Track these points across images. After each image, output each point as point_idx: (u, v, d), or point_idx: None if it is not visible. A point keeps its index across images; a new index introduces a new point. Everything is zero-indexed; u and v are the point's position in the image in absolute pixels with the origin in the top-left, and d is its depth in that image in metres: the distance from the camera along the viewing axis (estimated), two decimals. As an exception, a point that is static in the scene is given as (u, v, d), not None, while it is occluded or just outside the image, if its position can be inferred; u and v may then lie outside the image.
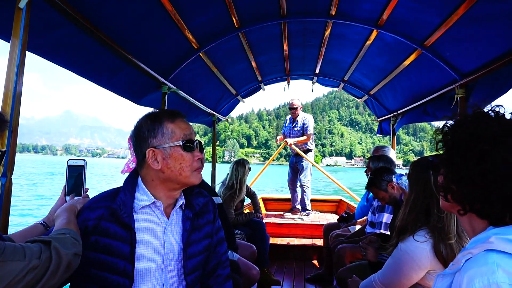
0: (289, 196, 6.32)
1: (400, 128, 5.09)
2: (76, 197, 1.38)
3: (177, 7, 2.51)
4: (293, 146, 5.78)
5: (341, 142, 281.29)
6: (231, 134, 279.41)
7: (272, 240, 4.78)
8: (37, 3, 1.56)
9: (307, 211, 5.72)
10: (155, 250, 1.28)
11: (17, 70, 1.46)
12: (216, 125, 5.26)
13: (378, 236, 2.52)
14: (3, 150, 0.93)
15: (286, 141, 5.79)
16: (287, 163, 6.65)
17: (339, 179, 6.59)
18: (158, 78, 3.03)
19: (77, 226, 1.18)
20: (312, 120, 6.03)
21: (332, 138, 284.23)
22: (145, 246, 1.27)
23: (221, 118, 5.45)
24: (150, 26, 2.60)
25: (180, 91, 3.44)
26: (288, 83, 5.34)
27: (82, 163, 1.42)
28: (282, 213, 6.06)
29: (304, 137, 5.83)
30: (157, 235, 1.30)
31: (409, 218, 1.67)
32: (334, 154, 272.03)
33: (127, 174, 1.42)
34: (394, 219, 2.53)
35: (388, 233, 2.75)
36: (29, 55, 1.56)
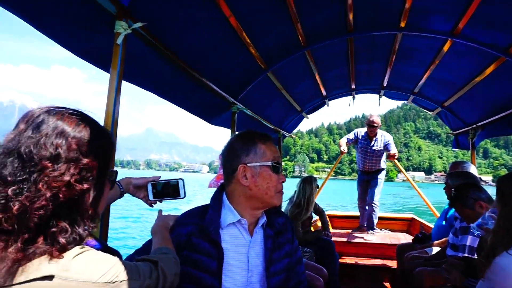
0: (355, 213, 6.07)
1: (488, 141, 4.66)
2: (161, 212, 1.43)
3: (247, 30, 2.66)
4: (396, 162, 5.62)
5: (419, 156, 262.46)
6: (301, 148, 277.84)
7: (340, 259, 4.64)
8: (130, 39, 1.78)
9: (374, 230, 5.46)
10: (240, 267, 1.33)
11: (115, 96, 1.66)
12: (281, 142, 5.33)
13: (462, 260, 2.33)
14: (115, 170, 1.04)
15: (393, 155, 5.44)
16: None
17: (415, 196, 6.13)
18: (228, 98, 3.22)
19: (172, 243, 1.25)
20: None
21: (409, 152, 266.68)
22: (231, 263, 1.31)
23: (286, 135, 5.51)
24: (222, 50, 2.80)
25: (248, 110, 3.60)
26: (354, 97, 5.21)
27: (182, 195, 1.42)
28: (349, 231, 5.84)
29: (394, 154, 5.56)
30: (241, 253, 1.34)
31: (503, 233, 1.55)
32: (411, 169, 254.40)
33: (211, 188, 1.49)
34: (481, 241, 2.33)
35: (475, 257, 2.51)
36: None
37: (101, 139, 0.89)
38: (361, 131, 5.73)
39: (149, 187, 1.37)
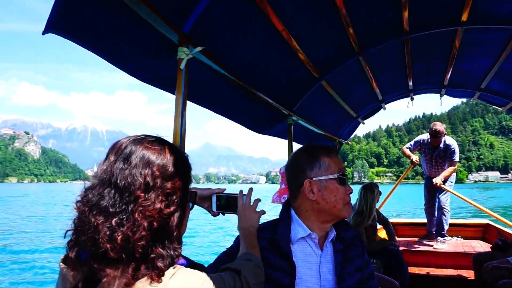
0: (421, 220, 5.68)
1: None
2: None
3: (299, 41, 2.67)
4: (443, 186, 4.89)
5: (491, 154, 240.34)
6: (358, 153, 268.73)
7: (409, 270, 4.38)
8: (191, 62, 1.89)
9: (444, 237, 5.08)
10: (312, 282, 1.31)
11: (181, 117, 1.78)
12: (338, 150, 5.23)
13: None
14: (194, 191, 1.07)
15: (435, 182, 4.82)
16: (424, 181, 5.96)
17: (490, 198, 5.47)
18: (283, 110, 3.26)
19: (258, 249, 1.26)
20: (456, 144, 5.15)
21: (479, 150, 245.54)
22: (303, 278, 1.30)
23: (343, 142, 5.40)
24: (276, 64, 2.86)
25: (303, 121, 3.61)
26: (412, 99, 4.92)
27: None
28: (415, 239, 5.47)
29: (451, 169, 4.96)
30: (313, 267, 1.33)
31: None
32: (484, 169, 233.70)
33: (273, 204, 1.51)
34: None
35: None
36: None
37: (181, 163, 0.93)
38: (424, 138, 5.31)
39: (214, 198, 1.36)
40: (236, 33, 2.28)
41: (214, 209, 1.37)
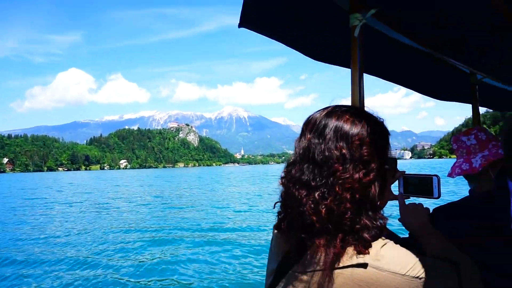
0: None
1: None
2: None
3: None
4: None
5: None
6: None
7: None
8: (365, 30, 1.69)
9: None
10: None
11: (359, 89, 1.62)
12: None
13: None
14: (394, 157, 1.01)
15: None
16: None
17: None
18: (465, 69, 2.75)
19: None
20: None
21: None
22: None
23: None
24: (460, 15, 2.38)
25: (490, 79, 2.98)
26: None
27: (436, 195, 1.19)
28: None
29: None
30: None
31: None
32: None
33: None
34: None
35: None
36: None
37: (377, 130, 0.89)
38: None
39: (401, 180, 1.22)
40: None
41: (401, 191, 1.24)
